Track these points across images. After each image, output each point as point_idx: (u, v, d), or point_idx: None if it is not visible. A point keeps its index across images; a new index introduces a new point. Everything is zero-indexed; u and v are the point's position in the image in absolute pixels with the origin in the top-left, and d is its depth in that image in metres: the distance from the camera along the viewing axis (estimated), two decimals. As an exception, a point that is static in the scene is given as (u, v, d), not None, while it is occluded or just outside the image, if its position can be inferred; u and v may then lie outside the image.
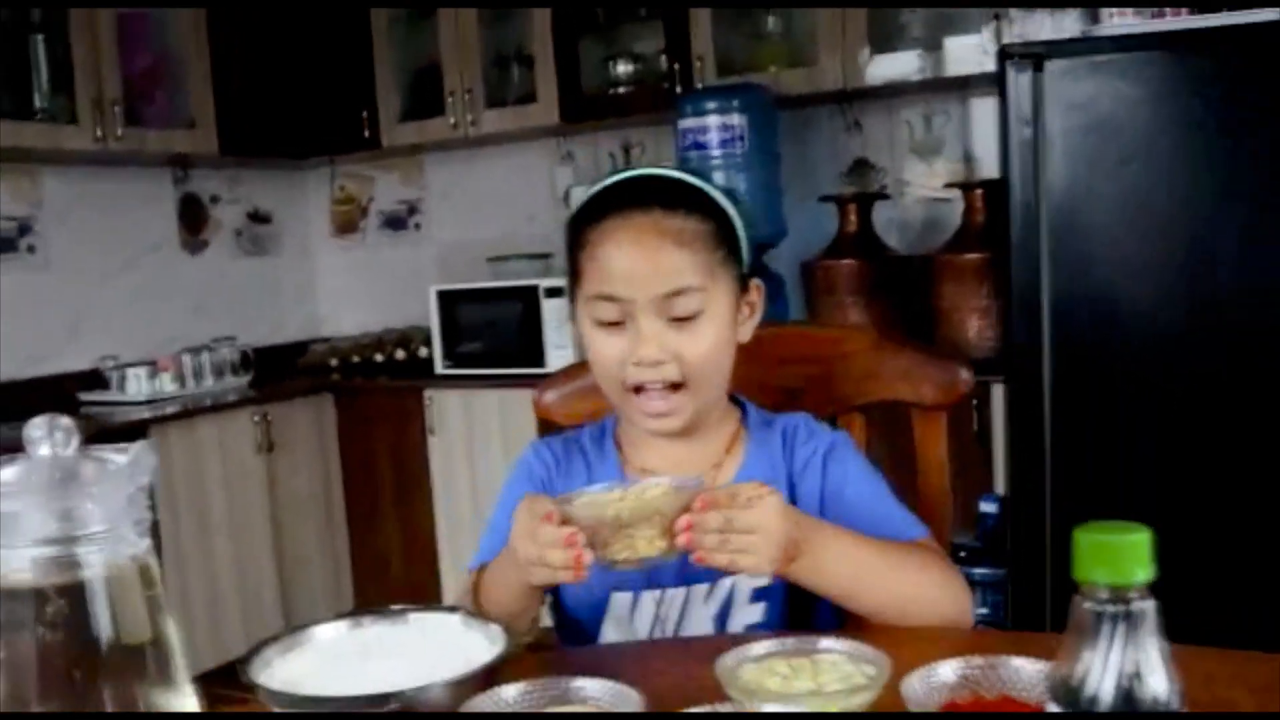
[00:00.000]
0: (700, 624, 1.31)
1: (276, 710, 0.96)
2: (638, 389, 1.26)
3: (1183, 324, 2.35)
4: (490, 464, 3.96)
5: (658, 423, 1.27)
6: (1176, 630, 0.67)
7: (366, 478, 4.23)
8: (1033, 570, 2.47)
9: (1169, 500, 2.41)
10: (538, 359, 3.87)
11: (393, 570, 4.25)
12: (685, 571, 1.28)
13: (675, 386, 1.25)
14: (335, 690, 0.98)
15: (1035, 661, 0.93)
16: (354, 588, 4.32)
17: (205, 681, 0.86)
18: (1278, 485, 2.29)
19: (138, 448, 0.84)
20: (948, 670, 0.94)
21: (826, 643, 1.01)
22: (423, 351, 4.30)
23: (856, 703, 0.91)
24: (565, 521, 1.06)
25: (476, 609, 1.19)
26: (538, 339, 3.88)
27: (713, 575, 1.29)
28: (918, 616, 1.16)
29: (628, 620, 1.32)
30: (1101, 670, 0.66)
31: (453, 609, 1.13)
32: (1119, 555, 0.65)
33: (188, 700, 0.88)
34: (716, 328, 1.25)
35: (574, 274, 1.29)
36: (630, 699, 0.93)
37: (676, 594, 1.31)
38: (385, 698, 0.93)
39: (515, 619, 1.21)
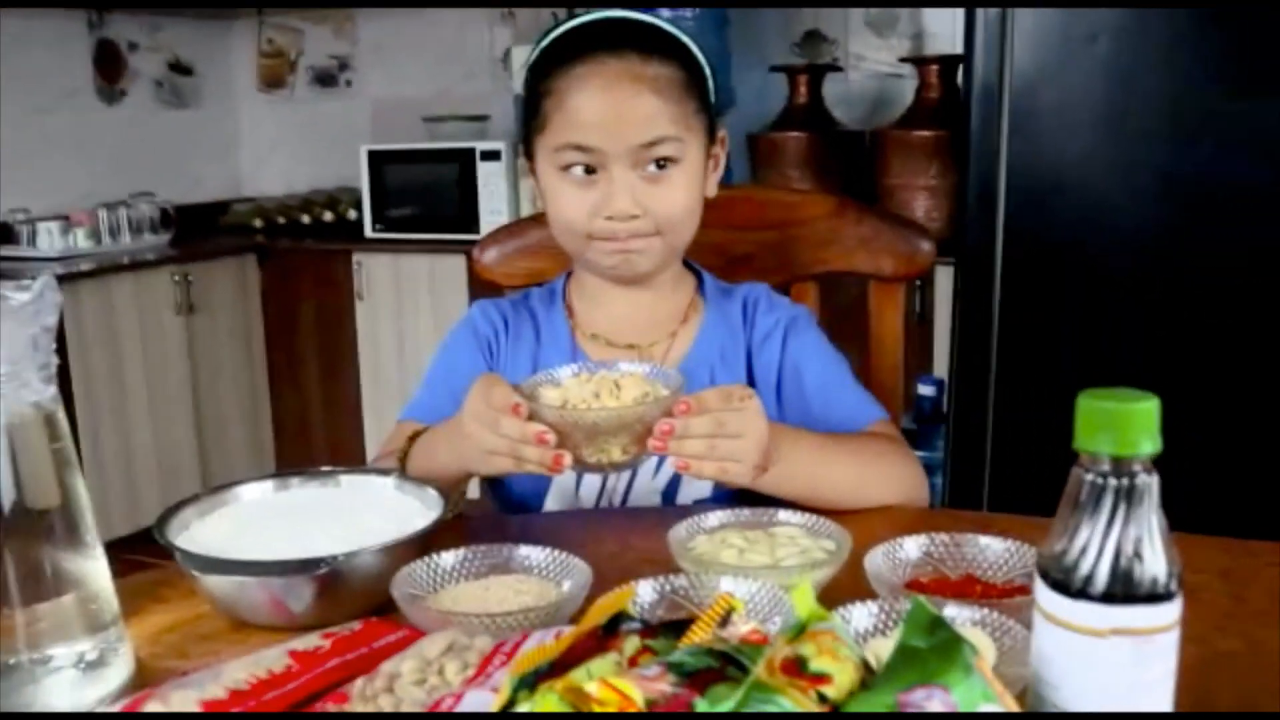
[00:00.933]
0: (647, 497, 1.26)
1: (195, 573, 0.89)
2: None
3: (1148, 213, 2.31)
4: (419, 330, 3.88)
5: (624, 259, 1.20)
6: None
7: (290, 341, 4.12)
8: (972, 455, 2.46)
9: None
10: (471, 224, 3.76)
11: (315, 436, 4.17)
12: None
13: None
14: (259, 554, 0.92)
15: (1002, 540, 0.90)
16: (275, 452, 4.24)
17: (118, 547, 0.79)
18: (1231, 378, 2.28)
19: (40, 284, 0.77)
20: (912, 546, 0.91)
21: (784, 515, 0.98)
22: (351, 214, 4.16)
23: (817, 578, 0.87)
24: (532, 416, 0.98)
25: (401, 463, 1.13)
26: (472, 204, 3.76)
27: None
28: (875, 504, 1.12)
29: (573, 493, 1.27)
30: (1099, 548, 0.62)
31: (385, 471, 1.08)
32: (1125, 423, 0.60)
33: (98, 564, 0.81)
34: (689, 180, 1.20)
35: (534, 122, 1.21)
36: (577, 569, 0.88)
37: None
38: (314, 563, 0.87)
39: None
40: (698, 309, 1.31)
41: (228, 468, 4.02)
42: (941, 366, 2.93)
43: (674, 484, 1.26)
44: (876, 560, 0.88)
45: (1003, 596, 0.85)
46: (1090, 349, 2.39)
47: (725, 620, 0.67)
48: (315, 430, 4.17)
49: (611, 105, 1.14)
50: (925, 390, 3.02)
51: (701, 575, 0.84)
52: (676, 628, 0.66)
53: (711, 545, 0.94)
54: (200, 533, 0.98)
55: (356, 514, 1.00)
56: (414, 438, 1.19)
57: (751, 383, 1.27)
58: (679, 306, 1.30)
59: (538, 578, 0.90)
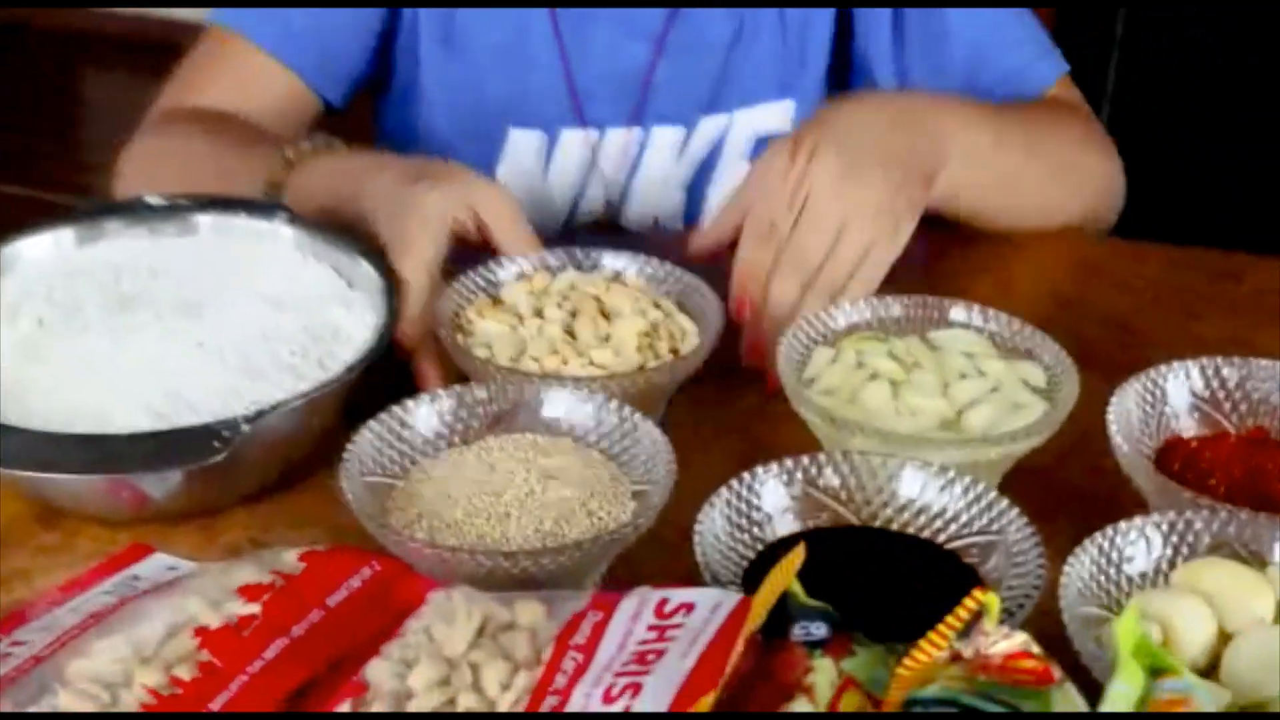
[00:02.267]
0: (663, 193, 1.19)
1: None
2: None
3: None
4: None
5: None
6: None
7: None
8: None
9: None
10: None
11: None
12: (641, 99, 1.16)
13: None
14: (74, 400, 0.82)
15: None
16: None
17: None
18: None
19: None
20: (1175, 388, 0.83)
21: (960, 313, 0.90)
22: None
23: (1020, 448, 0.79)
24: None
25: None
26: None
27: (687, 111, 1.17)
28: (1060, 223, 1.13)
29: (539, 175, 1.18)
30: None
31: (271, 208, 0.96)
32: None
33: None
34: None
35: None
36: (638, 426, 0.78)
37: (621, 139, 1.18)
38: (196, 441, 0.76)
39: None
40: None
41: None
42: None
43: (705, 171, 1.20)
44: (1127, 412, 0.80)
45: None
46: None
47: (968, 628, 0.59)
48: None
49: None
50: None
51: (857, 460, 0.74)
52: (877, 628, 0.60)
53: (843, 371, 0.85)
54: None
55: (228, 300, 0.89)
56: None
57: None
58: None
59: (572, 442, 0.80)
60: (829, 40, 1.18)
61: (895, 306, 0.90)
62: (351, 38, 1.14)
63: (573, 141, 1.16)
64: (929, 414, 0.83)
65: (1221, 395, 0.84)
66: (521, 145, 1.17)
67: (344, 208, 0.96)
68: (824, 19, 1.17)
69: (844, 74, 1.20)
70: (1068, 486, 0.84)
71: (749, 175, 0.94)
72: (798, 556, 0.61)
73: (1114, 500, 0.81)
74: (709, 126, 1.17)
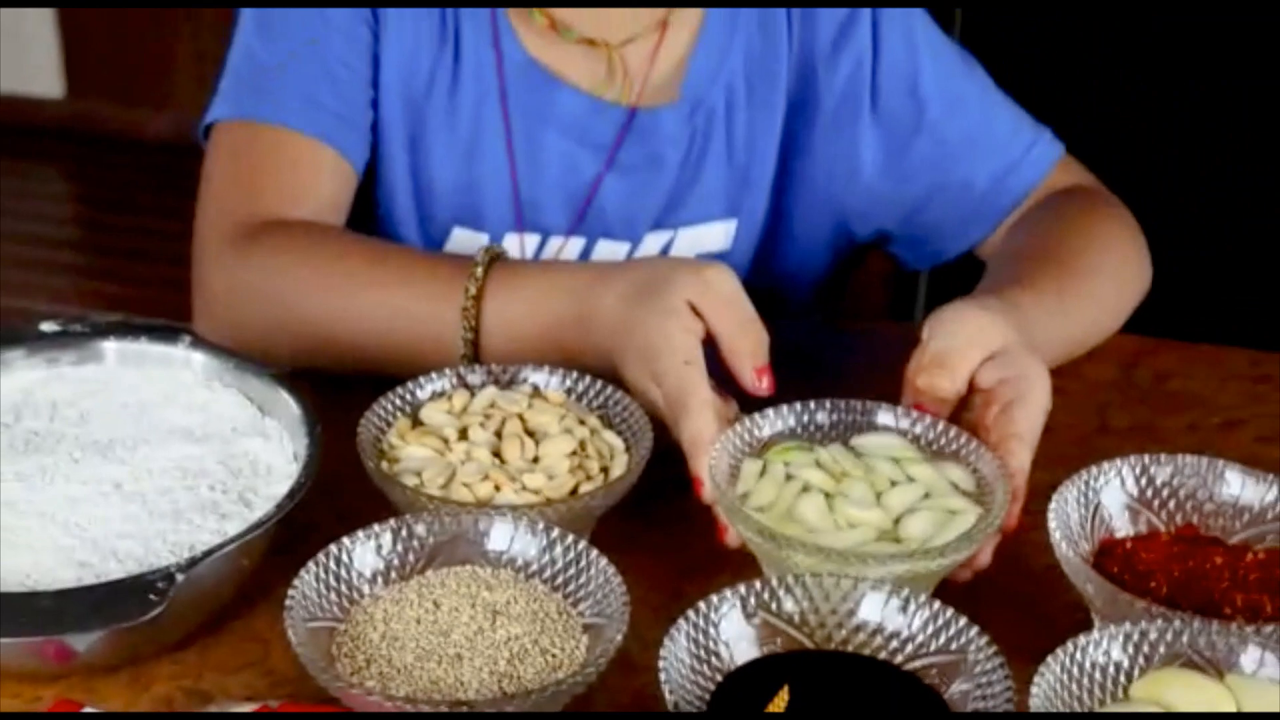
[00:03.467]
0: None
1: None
2: None
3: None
4: None
5: None
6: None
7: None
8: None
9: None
10: None
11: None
12: (590, 208, 1.17)
13: None
14: None
15: (1255, 479, 0.86)
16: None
17: None
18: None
19: None
20: (1111, 491, 0.86)
21: (883, 416, 0.91)
22: None
23: (958, 558, 0.80)
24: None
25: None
26: None
27: (634, 227, 1.18)
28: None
29: None
30: None
31: (174, 332, 0.95)
32: None
33: None
34: None
35: None
36: (594, 566, 0.78)
37: (561, 246, 1.18)
38: (125, 594, 0.75)
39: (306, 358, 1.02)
40: None
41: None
42: None
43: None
44: (1066, 516, 0.83)
45: (1255, 580, 0.82)
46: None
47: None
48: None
49: None
50: None
51: (810, 582, 0.75)
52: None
53: (774, 486, 0.86)
54: None
55: (145, 434, 0.89)
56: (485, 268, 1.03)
57: (807, 113, 1.21)
58: None
59: (513, 574, 0.80)
60: (775, 158, 1.19)
61: (820, 413, 0.91)
62: (363, 106, 1.13)
63: (512, 245, 1.16)
64: (867, 526, 0.84)
65: (1150, 494, 0.87)
66: (463, 244, 1.17)
67: (567, 333, 0.97)
68: (770, 138, 1.18)
69: (783, 191, 1.21)
70: (1003, 590, 0.85)
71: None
72: (782, 700, 0.63)
73: (1053, 602, 0.84)
74: (652, 242, 1.17)
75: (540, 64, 1.16)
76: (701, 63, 1.18)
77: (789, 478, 0.87)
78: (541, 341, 0.98)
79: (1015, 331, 0.92)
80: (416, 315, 1.01)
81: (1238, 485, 0.87)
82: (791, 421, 0.90)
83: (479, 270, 0.99)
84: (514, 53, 1.15)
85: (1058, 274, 1.07)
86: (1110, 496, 0.86)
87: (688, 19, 1.18)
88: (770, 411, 0.90)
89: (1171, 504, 0.87)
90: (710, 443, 0.85)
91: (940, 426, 0.89)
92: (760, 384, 0.90)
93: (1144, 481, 0.87)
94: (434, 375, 0.93)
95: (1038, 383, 0.89)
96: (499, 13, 1.16)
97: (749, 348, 0.90)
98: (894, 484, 0.87)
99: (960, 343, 0.90)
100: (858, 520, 0.84)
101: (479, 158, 1.15)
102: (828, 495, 0.86)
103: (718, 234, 1.19)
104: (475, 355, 0.99)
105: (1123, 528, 0.86)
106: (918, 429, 0.90)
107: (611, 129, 1.16)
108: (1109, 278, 1.12)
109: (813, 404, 0.91)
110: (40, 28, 3.72)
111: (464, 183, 1.16)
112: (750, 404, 0.90)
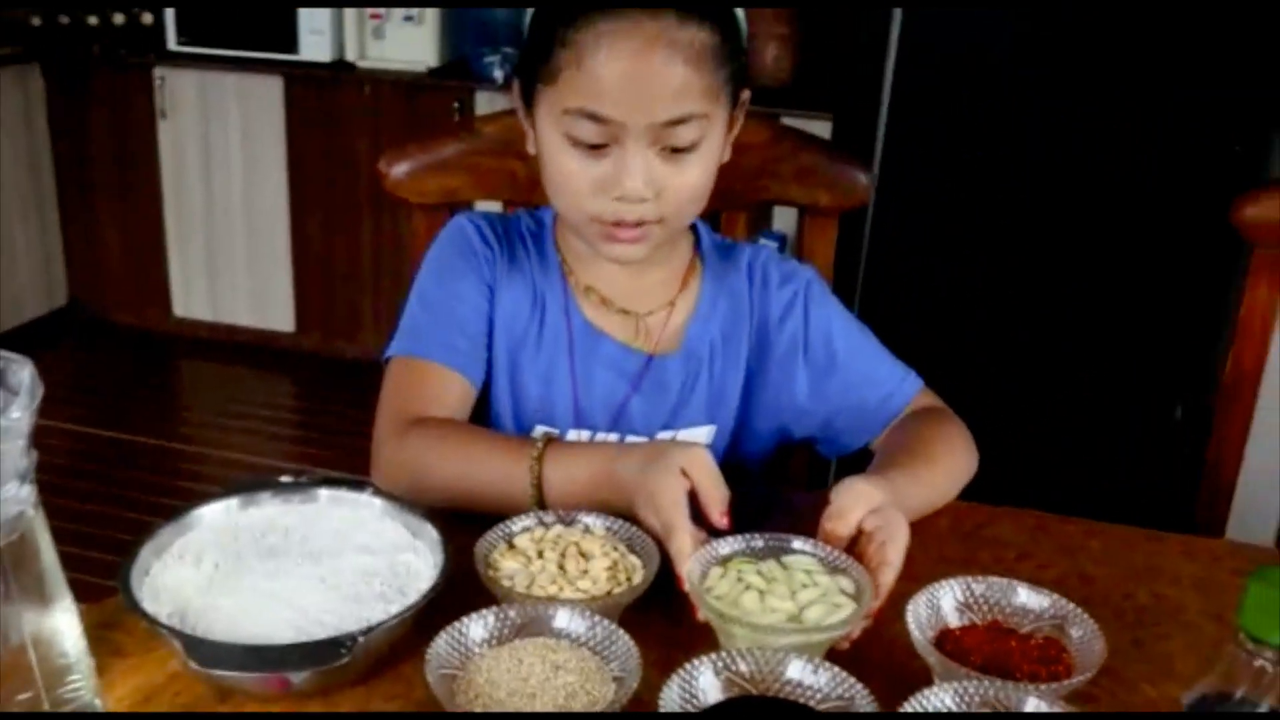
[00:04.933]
0: None
1: (191, 663, 0.78)
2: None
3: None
4: (229, 153, 3.59)
5: (622, 250, 1.09)
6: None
7: (82, 162, 3.75)
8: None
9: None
10: (288, 42, 3.45)
11: (113, 266, 3.86)
12: (621, 417, 1.18)
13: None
14: (236, 612, 0.83)
15: (1037, 592, 0.88)
16: (68, 283, 3.91)
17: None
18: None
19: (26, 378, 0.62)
20: (947, 595, 0.89)
21: (798, 544, 0.93)
22: (146, 17, 3.74)
23: (838, 634, 0.84)
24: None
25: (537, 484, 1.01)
26: (290, 19, 3.44)
27: (650, 429, 1.19)
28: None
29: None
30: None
31: (361, 485, 0.97)
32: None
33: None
34: (708, 161, 1.07)
35: (542, 69, 1.05)
36: (618, 639, 0.82)
37: (604, 438, 1.19)
38: (329, 649, 0.78)
39: (446, 502, 1.01)
40: (696, 272, 1.21)
41: (17, 305, 3.68)
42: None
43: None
44: (919, 613, 0.85)
45: (1035, 655, 0.84)
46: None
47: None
48: (113, 258, 3.85)
49: (639, 74, 0.99)
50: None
51: (758, 653, 0.79)
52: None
53: (728, 584, 0.89)
54: (164, 578, 0.86)
55: (341, 549, 0.90)
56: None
57: (762, 359, 1.22)
58: (677, 270, 1.21)
59: (570, 642, 0.83)
60: (739, 388, 1.20)
61: (759, 541, 0.92)
62: (482, 347, 1.14)
63: (571, 438, 1.17)
64: (782, 611, 0.86)
65: (970, 601, 0.89)
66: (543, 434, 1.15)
67: (601, 488, 0.98)
68: (737, 375, 1.19)
69: (745, 408, 1.22)
70: (877, 660, 0.87)
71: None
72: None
73: (907, 668, 0.85)
74: (662, 438, 1.17)
75: (594, 325, 1.17)
76: (695, 328, 1.19)
77: (739, 579, 0.89)
78: (584, 491, 0.98)
79: (889, 496, 0.94)
80: (503, 474, 1.01)
81: (1025, 596, 0.88)
82: (742, 545, 0.92)
83: (539, 445, 1.01)
84: (577, 318, 1.16)
85: (917, 463, 1.08)
86: (945, 602, 0.88)
87: (688, 300, 1.20)
88: (730, 538, 0.92)
89: (985, 607, 0.88)
90: (688, 555, 0.87)
91: (835, 553, 0.91)
92: (723, 521, 0.91)
93: (967, 593, 0.89)
94: (522, 516, 0.95)
95: (902, 529, 0.90)
96: (569, 290, 1.17)
97: (717, 499, 0.92)
98: (804, 586, 0.88)
99: (851, 502, 0.92)
100: (777, 608, 0.86)
101: (554, 383, 1.16)
102: (761, 592, 0.88)
103: (702, 434, 1.19)
104: (540, 501, 1.00)
105: (954, 621, 0.88)
106: (820, 553, 0.92)
107: (637, 368, 1.17)
108: (950, 464, 1.12)
109: (756, 535, 0.93)
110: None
111: (543, 397, 1.16)
112: (720, 535, 0.92)
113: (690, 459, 0.93)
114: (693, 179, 1.06)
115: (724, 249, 1.26)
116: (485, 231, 1.18)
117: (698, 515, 0.93)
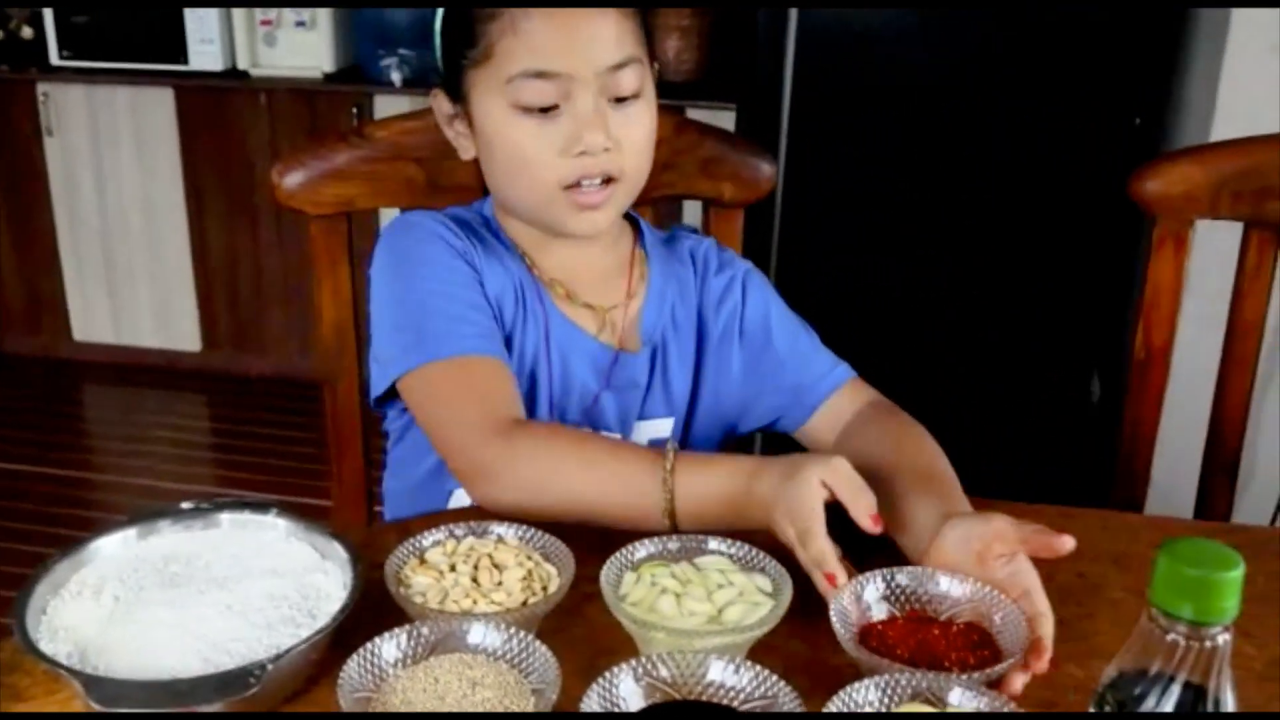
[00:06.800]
0: None
1: (93, 702, 0.76)
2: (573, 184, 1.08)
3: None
4: (120, 169, 3.51)
5: (589, 218, 1.10)
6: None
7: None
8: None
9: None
10: (177, 53, 3.38)
11: (5, 294, 3.76)
12: (594, 409, 1.19)
13: (607, 180, 1.09)
14: (140, 647, 0.81)
15: (962, 582, 0.89)
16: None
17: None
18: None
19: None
20: (871, 589, 0.89)
21: (713, 544, 0.93)
22: (26, 32, 3.64)
23: (759, 633, 0.84)
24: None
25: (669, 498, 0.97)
26: (178, 29, 3.37)
27: (624, 422, 1.20)
28: None
29: None
30: (1160, 697, 0.62)
31: (265, 507, 0.95)
32: (1211, 593, 0.59)
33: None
34: (651, 109, 1.10)
35: (469, 54, 1.07)
36: (536, 653, 0.81)
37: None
38: (239, 680, 0.76)
39: (552, 516, 0.97)
40: (641, 263, 1.23)
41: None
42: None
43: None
44: (843, 609, 0.85)
45: (961, 643, 0.85)
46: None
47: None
48: (4, 288, 3.75)
49: (576, 24, 1.03)
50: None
51: (679, 657, 0.78)
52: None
53: (642, 590, 0.89)
54: (62, 615, 0.84)
55: (247, 573, 0.89)
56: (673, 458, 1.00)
57: (702, 344, 1.23)
58: (623, 259, 1.22)
59: (486, 657, 0.82)
60: (690, 380, 1.22)
61: (673, 542, 0.92)
62: (498, 328, 1.12)
63: None
64: (701, 614, 0.85)
65: (892, 593, 0.89)
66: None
67: (737, 506, 0.95)
68: (687, 365, 1.21)
69: (694, 397, 1.23)
70: (802, 657, 0.87)
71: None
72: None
73: (830, 664, 0.85)
74: (633, 431, 1.20)
75: (568, 319, 1.17)
76: (649, 319, 1.20)
77: (654, 583, 0.89)
78: (718, 507, 0.96)
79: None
80: (632, 487, 0.97)
81: (946, 584, 0.89)
82: (655, 548, 0.91)
83: (670, 456, 0.97)
84: (553, 311, 1.16)
85: (948, 486, 1.03)
86: (869, 594, 0.88)
87: (640, 293, 1.21)
88: (643, 541, 0.91)
89: (904, 598, 0.89)
90: (829, 554, 0.86)
91: (750, 550, 0.91)
92: (875, 527, 0.88)
93: (890, 584, 0.89)
94: (432, 530, 0.93)
95: (1035, 575, 0.88)
96: (537, 284, 1.16)
97: (864, 505, 0.89)
98: (720, 586, 0.88)
99: (1014, 530, 0.89)
100: (695, 610, 0.86)
101: (536, 376, 1.16)
102: (677, 595, 0.87)
103: (664, 426, 1.20)
104: (673, 515, 0.96)
105: (878, 615, 0.88)
106: (734, 551, 0.91)
107: (607, 363, 1.17)
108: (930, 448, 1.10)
109: (667, 537, 0.92)
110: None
111: (526, 392, 1.14)
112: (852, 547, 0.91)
113: (829, 470, 0.90)
114: (644, 129, 1.10)
115: (666, 239, 1.27)
116: (448, 223, 1.15)
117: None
